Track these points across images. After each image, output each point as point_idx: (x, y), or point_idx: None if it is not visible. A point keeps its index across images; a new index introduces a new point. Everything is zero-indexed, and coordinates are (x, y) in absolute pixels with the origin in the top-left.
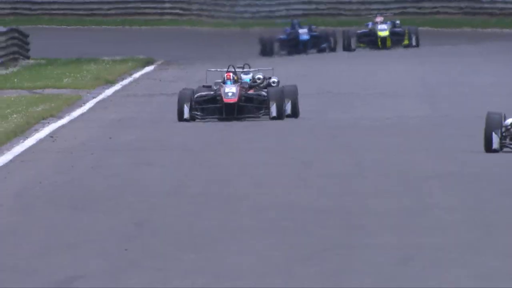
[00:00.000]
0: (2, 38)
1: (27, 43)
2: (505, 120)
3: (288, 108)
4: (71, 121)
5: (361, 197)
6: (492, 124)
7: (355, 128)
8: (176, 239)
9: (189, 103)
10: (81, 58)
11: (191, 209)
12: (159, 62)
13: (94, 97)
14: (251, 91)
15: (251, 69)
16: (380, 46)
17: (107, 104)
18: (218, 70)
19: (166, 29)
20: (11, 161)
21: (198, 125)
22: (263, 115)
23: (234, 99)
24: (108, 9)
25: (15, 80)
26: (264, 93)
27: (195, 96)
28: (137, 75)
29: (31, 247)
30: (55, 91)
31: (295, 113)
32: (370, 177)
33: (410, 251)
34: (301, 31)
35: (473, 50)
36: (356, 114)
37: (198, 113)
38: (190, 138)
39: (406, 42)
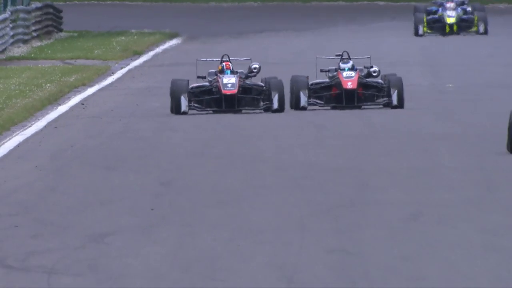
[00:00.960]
0: (38, 13)
1: (60, 18)
2: None
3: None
4: (100, 90)
5: (373, 157)
6: None
7: None
8: (201, 197)
9: (186, 94)
10: (110, 31)
11: (215, 168)
12: (184, 36)
13: (122, 67)
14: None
15: (349, 57)
16: (448, 32)
17: (135, 73)
18: (208, 60)
19: (191, 5)
20: (45, 126)
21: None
22: (263, 107)
23: (233, 91)
24: None
25: (49, 51)
26: (261, 83)
27: (190, 87)
28: (163, 47)
29: (67, 205)
30: (86, 62)
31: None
32: (381, 138)
33: (419, 208)
34: None
35: None
36: None
37: (197, 105)
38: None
39: (475, 28)
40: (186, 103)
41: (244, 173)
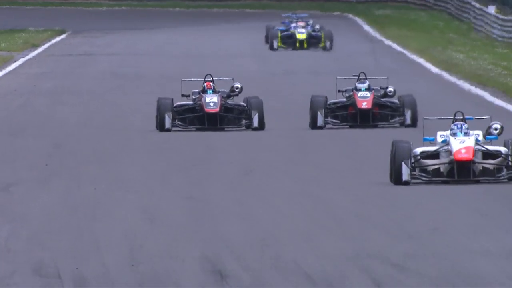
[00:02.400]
0: None
1: None
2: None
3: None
4: (5, 74)
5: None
6: (401, 154)
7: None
8: (85, 156)
9: (170, 112)
10: (13, 29)
11: (95, 135)
12: (69, 32)
13: (23, 57)
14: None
15: (365, 78)
16: (298, 47)
17: (33, 61)
18: (193, 80)
19: (83, 9)
20: None
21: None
22: (245, 125)
23: (216, 109)
24: None
25: None
26: (242, 103)
27: (175, 105)
28: (54, 41)
29: None
30: None
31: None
32: None
33: (252, 165)
34: None
35: None
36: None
37: (180, 123)
38: (95, 84)
39: (322, 44)
40: (170, 121)
41: (118, 139)
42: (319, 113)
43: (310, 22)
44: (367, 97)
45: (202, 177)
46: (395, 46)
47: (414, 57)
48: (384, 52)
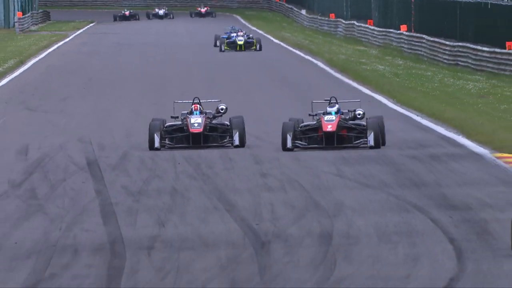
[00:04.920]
0: (40, 13)
1: (49, 16)
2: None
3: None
4: (64, 43)
5: None
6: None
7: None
8: (106, 84)
9: (159, 132)
10: (68, 20)
11: (109, 73)
12: (95, 22)
13: (72, 35)
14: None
15: (336, 102)
16: (238, 49)
17: (77, 37)
18: (185, 101)
19: None
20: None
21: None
22: (227, 143)
23: (199, 129)
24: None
25: (44, 29)
26: (226, 122)
27: (165, 126)
28: (88, 26)
29: None
30: (55, 32)
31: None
32: None
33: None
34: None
35: None
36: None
37: (168, 142)
38: (108, 48)
39: (254, 47)
40: (159, 140)
41: (123, 72)
42: (288, 135)
43: (244, 32)
44: (333, 120)
45: None
46: (255, 28)
47: (266, 35)
48: (252, 32)
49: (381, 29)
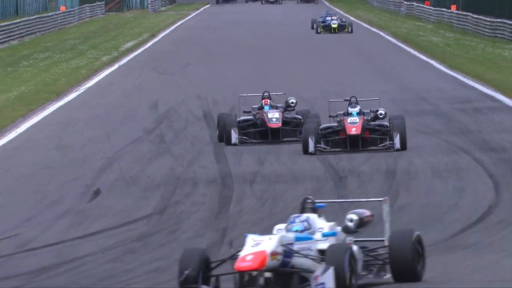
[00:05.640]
0: None
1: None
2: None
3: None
4: (186, 20)
5: None
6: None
7: None
8: (215, 50)
9: (236, 128)
10: (190, 3)
11: (209, 42)
12: (209, 5)
13: (193, 13)
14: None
15: (356, 102)
16: (332, 32)
17: (196, 16)
18: (250, 95)
19: None
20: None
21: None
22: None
23: (278, 124)
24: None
25: (171, 9)
26: (298, 115)
27: (238, 120)
28: (205, 7)
29: None
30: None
31: (404, 146)
32: None
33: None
34: None
35: None
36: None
37: (244, 137)
38: (218, 23)
39: (347, 29)
40: (236, 136)
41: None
42: (310, 139)
43: (338, 16)
44: (356, 122)
45: None
46: (336, 9)
47: (344, 14)
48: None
49: (435, 8)
